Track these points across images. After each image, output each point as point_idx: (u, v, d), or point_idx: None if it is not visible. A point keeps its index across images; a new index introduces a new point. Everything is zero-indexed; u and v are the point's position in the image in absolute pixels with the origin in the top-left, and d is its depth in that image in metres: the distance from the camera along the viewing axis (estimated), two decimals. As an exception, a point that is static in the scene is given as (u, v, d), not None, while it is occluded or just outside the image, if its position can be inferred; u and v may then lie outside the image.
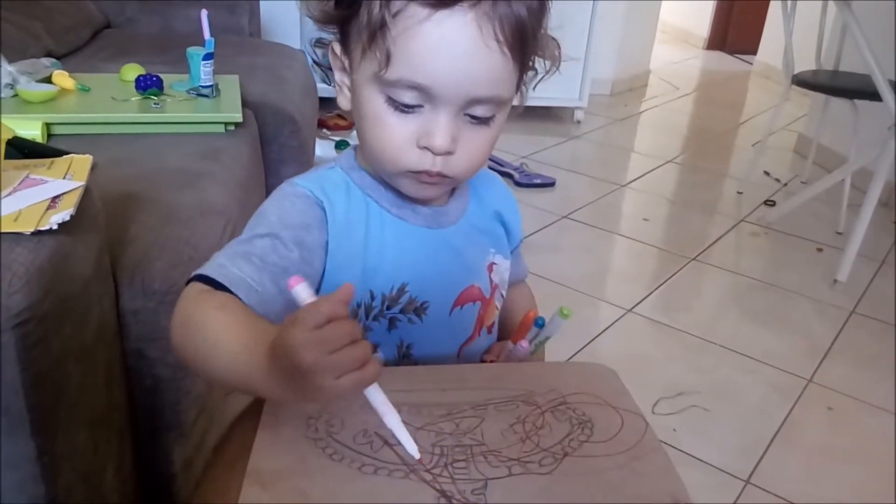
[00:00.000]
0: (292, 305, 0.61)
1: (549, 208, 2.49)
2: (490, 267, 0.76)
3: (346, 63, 0.65)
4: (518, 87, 0.64)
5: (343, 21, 0.63)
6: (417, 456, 0.52)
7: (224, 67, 1.61)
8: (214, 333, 0.54)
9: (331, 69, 0.68)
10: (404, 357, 0.71)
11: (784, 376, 1.72)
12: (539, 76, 0.67)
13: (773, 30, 4.58)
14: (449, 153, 0.61)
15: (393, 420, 0.51)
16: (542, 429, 0.57)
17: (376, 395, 0.50)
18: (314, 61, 0.71)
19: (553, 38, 0.66)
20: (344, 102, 0.67)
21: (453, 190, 0.74)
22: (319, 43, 0.68)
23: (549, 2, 0.63)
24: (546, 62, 0.67)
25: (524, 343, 0.73)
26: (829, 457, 1.47)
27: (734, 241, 2.46)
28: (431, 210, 0.71)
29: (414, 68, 0.58)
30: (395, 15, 0.57)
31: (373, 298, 0.68)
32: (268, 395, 0.53)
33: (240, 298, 0.58)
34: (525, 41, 0.60)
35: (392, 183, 0.67)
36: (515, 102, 0.68)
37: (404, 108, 0.60)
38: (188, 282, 0.60)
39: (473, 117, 0.61)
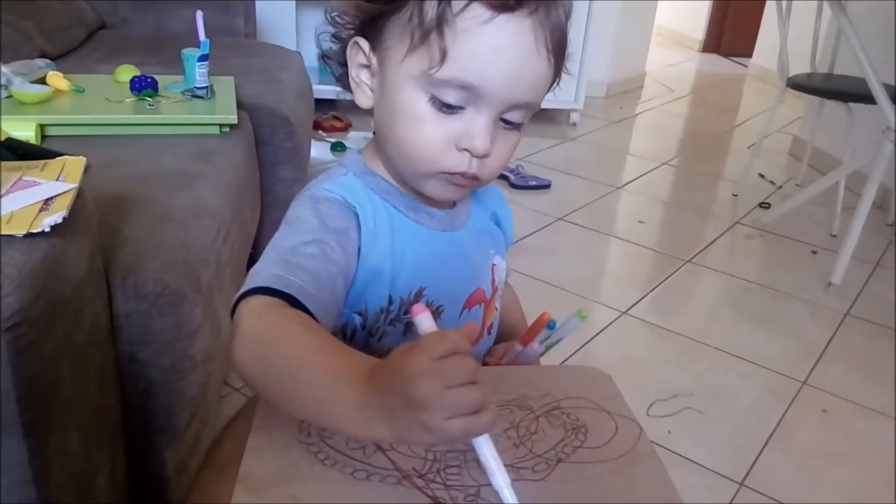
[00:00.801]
0: (333, 312, 0.59)
1: (545, 210, 2.49)
2: (492, 269, 0.76)
3: (375, 61, 0.64)
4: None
5: (378, 17, 0.62)
6: None
7: (219, 69, 1.61)
8: (298, 354, 0.50)
9: (344, 65, 0.67)
10: None
11: (778, 378, 1.72)
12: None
13: (769, 33, 4.59)
14: (486, 156, 0.61)
15: (501, 480, 0.47)
16: (535, 434, 0.57)
17: (486, 449, 0.46)
18: (322, 54, 0.70)
19: None
20: (364, 101, 0.66)
21: None
22: (335, 38, 0.67)
23: None
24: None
25: (535, 345, 0.72)
26: (823, 459, 1.47)
27: (729, 243, 2.46)
28: (445, 213, 0.71)
29: (469, 68, 0.57)
30: (456, 14, 0.57)
31: (391, 303, 0.67)
32: (353, 430, 0.47)
33: (308, 310, 0.55)
34: (564, 50, 0.61)
35: (416, 184, 0.66)
36: None
37: (447, 109, 0.60)
38: (239, 299, 0.55)
39: (507, 122, 0.62)
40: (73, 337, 0.78)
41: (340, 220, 0.63)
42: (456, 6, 0.57)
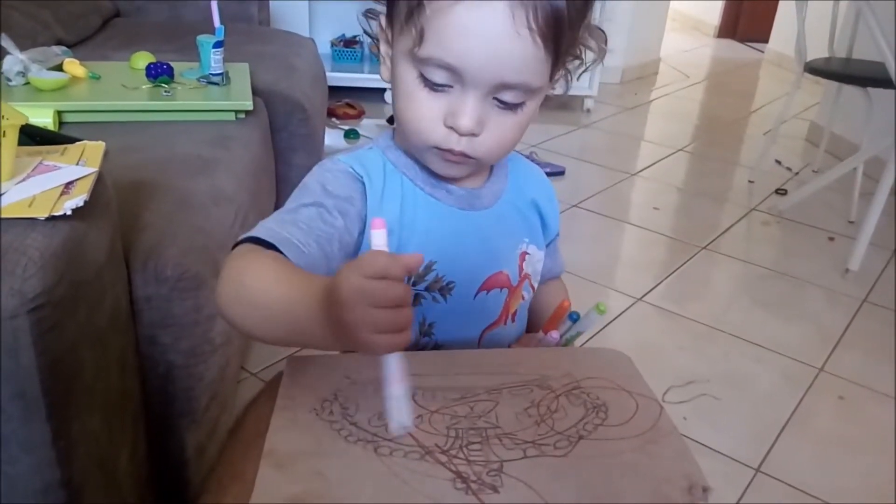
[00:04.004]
0: (321, 267, 0.62)
1: (559, 197, 2.44)
2: (522, 255, 0.75)
3: (389, 35, 0.65)
4: (552, 77, 0.63)
5: None
6: (399, 432, 0.52)
7: (233, 55, 1.61)
8: (267, 282, 0.55)
9: (378, 40, 0.69)
10: (424, 335, 0.71)
11: (795, 365, 1.71)
12: (582, 67, 0.67)
13: (785, 17, 4.54)
14: (474, 135, 0.62)
15: (396, 390, 0.50)
16: (556, 412, 0.57)
17: (393, 359, 0.50)
18: (364, 31, 0.71)
19: (600, 30, 0.66)
20: (385, 73, 0.68)
21: (491, 172, 0.74)
22: (371, 13, 0.68)
23: None
24: (588, 53, 0.67)
25: (554, 334, 0.72)
26: (839, 445, 1.46)
27: (745, 229, 2.45)
28: (465, 191, 0.71)
29: (445, 48, 0.58)
30: None
31: None
32: (317, 342, 0.53)
33: (288, 259, 0.59)
34: (560, 31, 0.58)
35: (421, 158, 0.68)
36: (558, 91, 0.68)
37: (435, 87, 0.61)
38: (234, 246, 0.61)
39: (502, 102, 0.62)
40: (94, 320, 0.79)
41: (343, 189, 0.66)
42: None
